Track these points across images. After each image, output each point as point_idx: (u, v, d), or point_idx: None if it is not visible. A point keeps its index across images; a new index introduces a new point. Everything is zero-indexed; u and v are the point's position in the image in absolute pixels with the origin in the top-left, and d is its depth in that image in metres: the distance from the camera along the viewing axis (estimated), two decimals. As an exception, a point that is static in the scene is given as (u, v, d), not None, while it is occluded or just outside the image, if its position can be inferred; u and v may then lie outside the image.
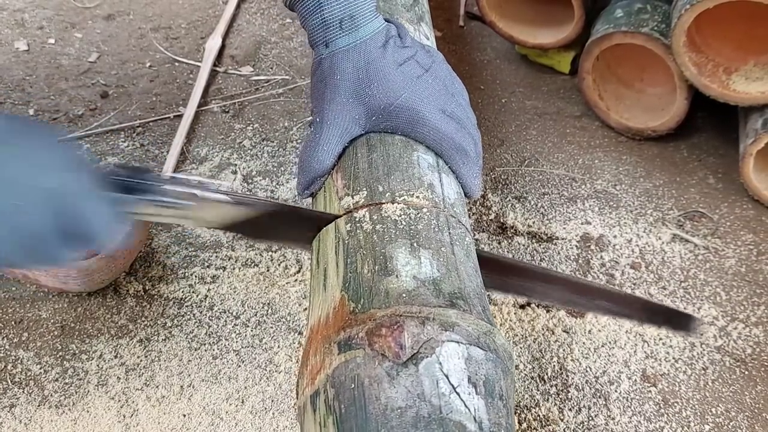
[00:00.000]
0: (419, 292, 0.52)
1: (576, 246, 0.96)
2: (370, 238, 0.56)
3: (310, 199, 0.70)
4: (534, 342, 0.84)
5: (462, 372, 0.47)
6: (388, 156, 0.63)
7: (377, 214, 0.58)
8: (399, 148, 0.64)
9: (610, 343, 0.84)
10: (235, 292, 0.89)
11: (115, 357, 0.82)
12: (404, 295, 0.51)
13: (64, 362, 0.82)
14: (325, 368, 0.49)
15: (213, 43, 1.31)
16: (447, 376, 0.47)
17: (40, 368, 0.81)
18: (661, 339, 0.84)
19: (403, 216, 0.58)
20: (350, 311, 0.52)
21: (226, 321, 0.86)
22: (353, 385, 0.47)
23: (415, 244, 0.55)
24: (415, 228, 0.57)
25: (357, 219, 0.58)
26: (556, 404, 0.78)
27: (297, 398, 0.53)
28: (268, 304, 0.88)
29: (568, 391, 0.79)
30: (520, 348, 0.83)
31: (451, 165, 0.67)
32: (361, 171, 0.63)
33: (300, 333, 0.84)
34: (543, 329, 0.85)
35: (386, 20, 0.68)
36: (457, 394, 0.46)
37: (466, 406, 0.46)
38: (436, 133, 0.65)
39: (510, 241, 0.96)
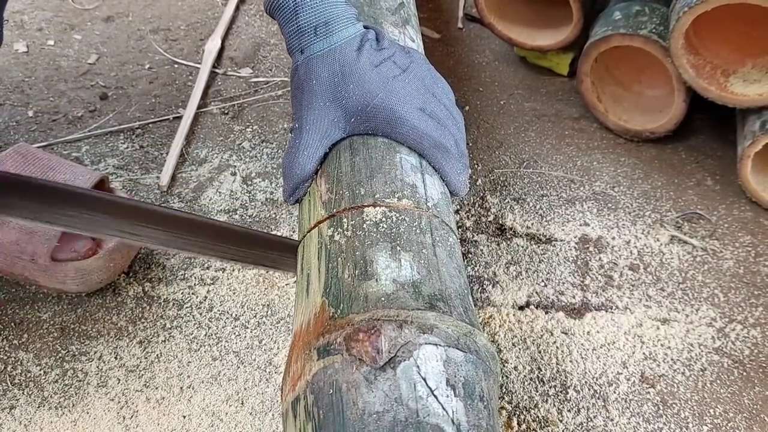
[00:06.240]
0: (398, 295, 0.51)
1: (575, 247, 0.96)
2: (352, 242, 0.56)
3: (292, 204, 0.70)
4: (533, 343, 0.84)
5: (440, 374, 0.47)
6: (371, 159, 0.63)
7: (359, 217, 0.58)
8: (381, 150, 0.64)
9: (608, 344, 0.84)
10: (234, 293, 0.89)
11: (115, 358, 0.82)
12: (383, 298, 0.51)
13: (64, 364, 0.82)
14: (305, 374, 0.49)
15: (212, 45, 1.31)
16: (425, 379, 0.46)
17: (40, 369, 0.81)
18: (659, 340, 0.85)
19: (384, 219, 0.57)
20: (330, 317, 0.51)
21: (225, 322, 0.86)
22: (331, 391, 0.47)
23: (396, 247, 0.55)
24: (396, 231, 0.57)
25: (339, 223, 0.58)
26: (555, 405, 0.78)
27: (281, 405, 0.53)
28: (268, 305, 0.88)
29: (567, 392, 0.79)
30: (519, 349, 0.83)
31: (433, 163, 0.66)
32: (344, 174, 0.62)
33: (299, 334, 0.85)
34: (542, 330, 0.85)
35: (366, 26, 0.68)
36: (435, 396, 0.46)
37: (443, 408, 0.46)
38: (415, 131, 0.64)
39: (509, 242, 0.96)
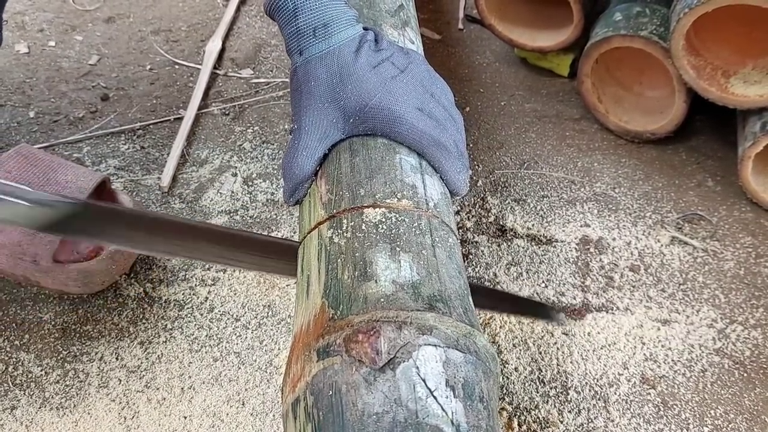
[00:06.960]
0: (397, 296, 0.51)
1: (575, 249, 0.96)
2: (351, 243, 0.56)
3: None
4: (533, 344, 0.84)
5: (439, 375, 0.47)
6: (370, 159, 0.63)
7: (358, 218, 0.58)
8: (381, 151, 0.64)
9: (609, 345, 0.84)
10: (235, 294, 0.89)
11: (116, 359, 0.82)
12: (382, 299, 0.51)
13: (65, 364, 0.82)
14: (305, 376, 0.49)
15: (213, 46, 1.32)
16: (424, 380, 0.46)
17: (41, 370, 0.81)
18: (660, 341, 0.85)
19: (384, 220, 0.57)
20: (329, 318, 0.51)
21: (226, 323, 0.86)
22: (331, 392, 0.47)
23: (396, 248, 0.55)
24: (396, 232, 0.56)
25: (338, 224, 0.58)
26: (555, 406, 0.78)
27: (281, 406, 0.53)
28: (269, 306, 0.88)
29: (568, 394, 0.79)
30: (520, 350, 0.84)
31: (432, 162, 0.66)
32: (343, 175, 0.62)
33: (300, 335, 0.85)
34: (542, 331, 0.85)
35: (365, 28, 0.68)
36: (434, 397, 0.46)
37: (443, 409, 0.46)
38: (413, 130, 0.64)
39: (509, 243, 0.97)
